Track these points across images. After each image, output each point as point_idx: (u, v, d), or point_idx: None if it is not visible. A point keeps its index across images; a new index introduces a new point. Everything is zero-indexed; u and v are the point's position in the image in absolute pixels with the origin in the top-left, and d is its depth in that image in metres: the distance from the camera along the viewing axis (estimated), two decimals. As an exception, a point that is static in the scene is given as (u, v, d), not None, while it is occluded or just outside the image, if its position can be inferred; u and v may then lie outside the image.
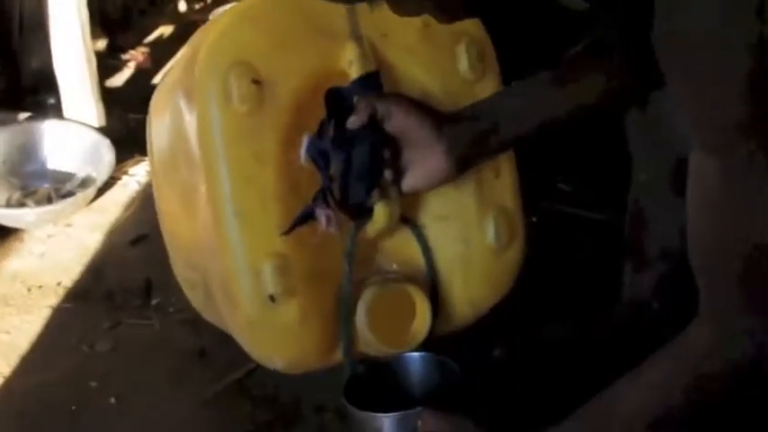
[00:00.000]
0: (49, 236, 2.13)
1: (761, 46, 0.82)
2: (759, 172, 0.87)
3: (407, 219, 1.37)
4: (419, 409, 1.22)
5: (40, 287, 1.97)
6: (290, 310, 1.29)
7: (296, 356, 1.35)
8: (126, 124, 2.43)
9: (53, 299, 1.94)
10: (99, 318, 1.88)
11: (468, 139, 1.28)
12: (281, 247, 1.28)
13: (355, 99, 1.28)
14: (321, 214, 1.29)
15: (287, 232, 1.28)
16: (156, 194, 1.57)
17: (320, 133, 1.29)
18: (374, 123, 1.26)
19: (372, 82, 1.32)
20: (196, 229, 1.39)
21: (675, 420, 1.03)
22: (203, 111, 1.29)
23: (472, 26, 1.38)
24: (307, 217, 1.29)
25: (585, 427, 1.09)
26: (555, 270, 1.83)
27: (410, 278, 1.37)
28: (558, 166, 2.15)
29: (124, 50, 2.84)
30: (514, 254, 1.42)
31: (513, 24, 1.51)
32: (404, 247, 1.39)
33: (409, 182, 1.29)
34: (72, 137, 2.34)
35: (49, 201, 2.21)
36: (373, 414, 1.25)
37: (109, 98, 2.47)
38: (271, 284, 1.28)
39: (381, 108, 1.25)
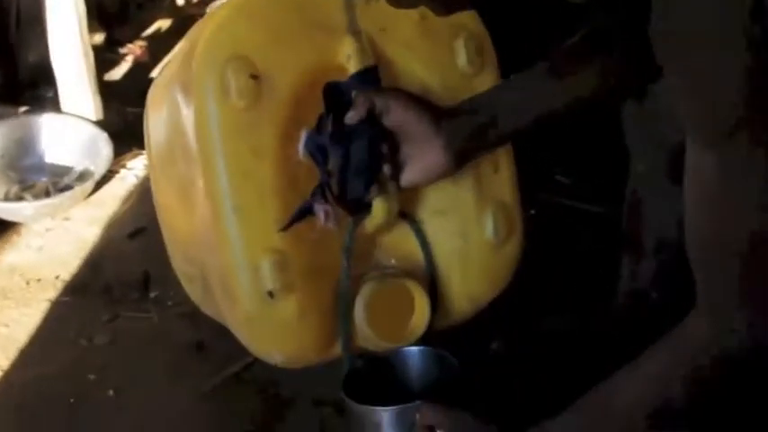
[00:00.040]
0: (47, 229, 2.12)
1: (756, 43, 0.82)
2: (756, 166, 0.87)
3: (406, 214, 1.36)
4: (418, 402, 1.22)
5: (39, 280, 1.97)
6: (288, 306, 1.29)
7: (295, 351, 1.35)
8: (124, 118, 2.42)
9: (51, 292, 1.94)
10: (97, 311, 1.87)
11: (467, 133, 1.27)
12: (279, 242, 1.28)
13: (353, 94, 1.27)
14: (319, 209, 1.28)
15: (285, 228, 1.27)
16: (153, 188, 1.57)
17: (319, 128, 1.28)
18: (372, 118, 1.25)
19: (371, 77, 1.31)
20: (194, 222, 1.39)
21: (674, 412, 1.03)
22: (201, 105, 1.28)
23: (470, 20, 1.38)
24: (305, 212, 1.29)
25: (584, 419, 1.09)
26: (553, 263, 1.82)
27: (409, 273, 1.36)
28: (556, 159, 2.14)
29: (122, 44, 2.83)
30: (513, 248, 1.42)
31: (511, 16, 1.51)
32: (402, 242, 1.38)
33: (408, 177, 1.29)
34: (70, 130, 2.33)
35: (47, 194, 2.20)
36: (372, 408, 1.25)
37: (107, 92, 2.47)
38: (269, 280, 1.27)
39: (379, 103, 1.25)
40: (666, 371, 1.02)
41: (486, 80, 1.39)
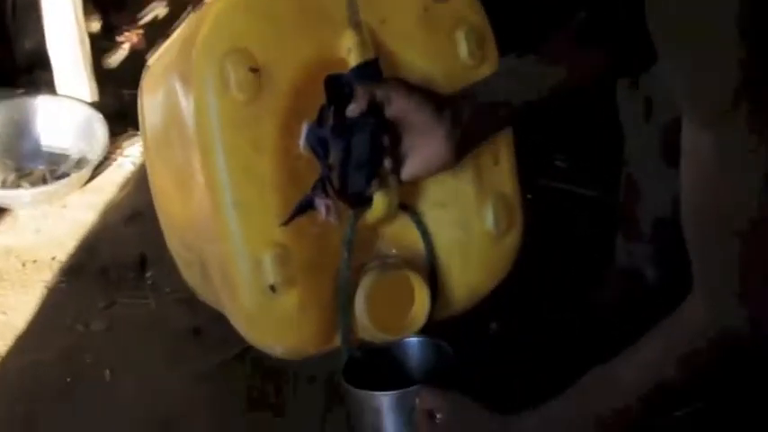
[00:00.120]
0: (44, 215, 2.11)
1: (750, 25, 0.81)
2: (753, 146, 0.86)
3: (406, 205, 1.36)
4: (417, 387, 1.22)
5: (35, 262, 1.96)
6: (289, 300, 1.28)
7: (295, 344, 1.34)
8: (120, 99, 2.41)
9: (48, 274, 1.93)
10: (94, 297, 1.87)
11: (468, 121, 1.27)
12: (280, 236, 1.26)
13: (355, 86, 1.26)
14: (320, 204, 1.27)
15: (286, 222, 1.26)
16: (149, 170, 1.56)
17: (319, 121, 1.27)
18: (374, 110, 1.24)
19: (372, 69, 1.30)
20: (192, 210, 1.38)
21: (671, 396, 1.03)
22: (200, 99, 1.27)
23: (471, 10, 1.37)
24: (306, 206, 1.28)
25: (580, 404, 1.09)
26: (551, 246, 1.82)
27: (409, 263, 1.36)
28: (553, 143, 2.14)
29: (118, 31, 2.82)
30: (512, 240, 1.42)
31: (509, 4, 1.51)
32: (403, 233, 1.38)
33: (409, 170, 1.28)
34: (65, 112, 2.31)
35: (44, 182, 2.19)
36: (372, 393, 1.24)
37: (103, 78, 2.45)
38: (271, 274, 1.26)
39: (380, 94, 1.24)
40: (663, 355, 1.01)
41: (488, 71, 1.37)
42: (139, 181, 2.15)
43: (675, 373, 1.01)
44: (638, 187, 1.51)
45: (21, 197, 2.14)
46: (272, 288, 1.26)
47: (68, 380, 1.68)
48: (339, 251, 1.30)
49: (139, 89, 1.52)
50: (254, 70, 1.24)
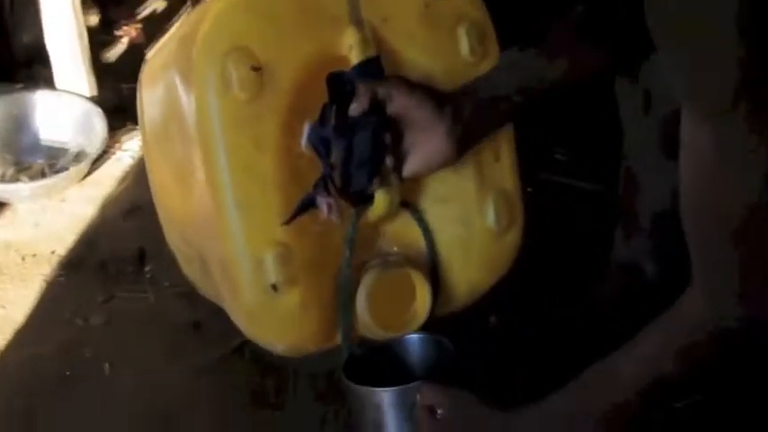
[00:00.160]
0: (44, 208, 2.11)
1: (747, 16, 0.81)
2: (753, 145, 0.86)
3: (408, 202, 1.35)
4: (418, 383, 1.21)
5: (34, 256, 1.96)
6: (291, 299, 1.28)
7: (296, 342, 1.34)
8: (119, 93, 2.40)
9: (47, 268, 1.92)
10: (93, 290, 1.86)
11: (469, 117, 1.27)
12: (282, 235, 1.26)
13: (356, 84, 1.26)
14: (322, 202, 1.26)
15: (288, 221, 1.26)
16: (147, 164, 1.55)
17: (321, 120, 1.27)
18: (375, 108, 1.24)
19: (373, 67, 1.29)
20: (192, 206, 1.37)
21: (670, 390, 1.02)
22: (202, 98, 1.26)
23: (473, 6, 1.36)
24: (308, 205, 1.27)
25: (580, 400, 1.08)
26: (550, 240, 1.82)
27: (410, 260, 1.35)
28: (554, 137, 2.13)
29: (117, 26, 2.81)
30: (513, 237, 1.41)
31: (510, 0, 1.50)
32: (404, 230, 1.37)
33: (410, 167, 1.28)
34: (63, 106, 2.31)
35: (43, 176, 2.18)
36: (373, 389, 1.24)
37: (102, 72, 2.44)
38: (273, 273, 1.25)
39: (381, 92, 1.24)
40: (662, 349, 1.01)
41: (489, 66, 1.36)
42: (138, 175, 2.15)
43: (674, 367, 1.00)
44: (637, 180, 1.51)
45: (20, 191, 2.13)
46: (274, 287, 1.26)
47: (67, 374, 1.67)
48: (340, 249, 1.30)
49: (138, 83, 1.51)
50: (256, 69, 1.24)
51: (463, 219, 1.37)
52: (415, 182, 1.34)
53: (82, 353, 1.72)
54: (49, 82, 2.39)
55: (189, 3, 2.29)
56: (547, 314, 1.67)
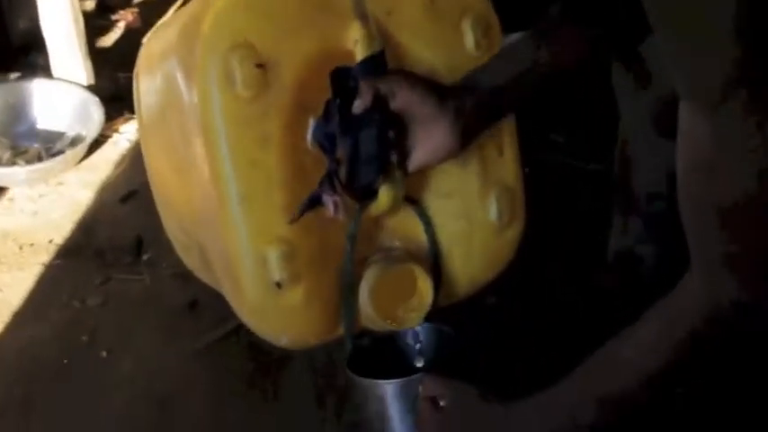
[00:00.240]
0: (41, 195, 2.10)
1: (744, 5, 0.80)
2: (751, 130, 0.85)
3: (410, 197, 1.35)
4: (420, 375, 1.22)
5: (32, 245, 1.95)
6: (295, 295, 1.26)
7: (299, 336, 1.33)
8: (116, 82, 2.39)
9: (44, 256, 1.92)
10: (90, 274, 1.86)
11: (471, 109, 1.26)
12: (285, 232, 1.25)
13: (359, 81, 1.25)
14: (329, 200, 1.25)
15: (295, 220, 1.25)
16: (143, 149, 1.54)
17: (326, 115, 1.26)
18: (379, 104, 1.23)
19: (378, 62, 1.28)
20: (191, 198, 1.36)
21: (670, 377, 1.02)
22: (205, 96, 1.24)
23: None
24: (314, 203, 1.26)
25: (580, 389, 1.08)
26: (547, 220, 1.81)
27: (412, 254, 1.34)
28: (550, 117, 2.12)
29: (113, 10, 2.81)
30: (514, 231, 1.40)
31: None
32: (406, 224, 1.36)
33: (415, 162, 1.27)
34: (61, 95, 2.29)
35: (40, 160, 2.17)
36: (376, 381, 1.24)
37: (98, 58, 2.43)
38: (276, 271, 1.24)
39: (384, 87, 1.23)
40: (661, 337, 1.00)
41: (492, 60, 1.36)
42: (135, 159, 2.13)
43: (673, 354, 0.99)
44: (632, 160, 1.50)
45: (16, 175, 2.12)
46: (278, 285, 1.25)
47: (65, 362, 1.67)
48: (343, 244, 1.29)
49: (135, 68, 1.50)
50: (260, 66, 1.23)
51: (466, 214, 1.37)
52: (419, 177, 1.33)
53: (79, 337, 1.71)
54: (45, 69, 2.38)
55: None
56: (547, 301, 1.66)
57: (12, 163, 2.16)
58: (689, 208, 0.94)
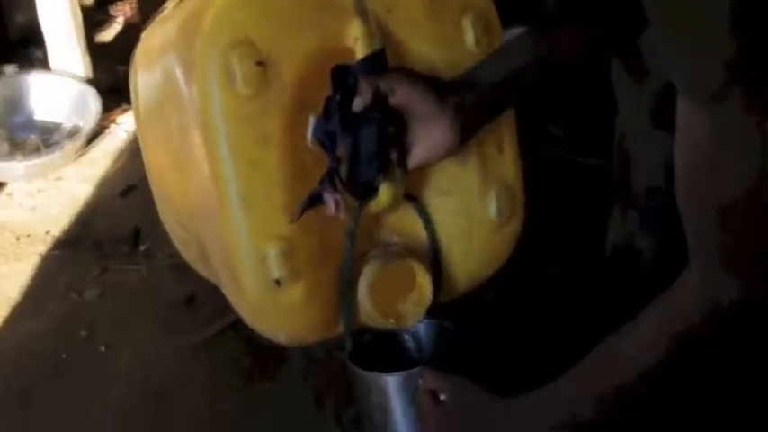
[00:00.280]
0: (39, 190, 2.09)
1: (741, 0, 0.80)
2: (750, 125, 0.85)
3: (410, 194, 1.35)
4: (421, 368, 1.22)
5: (29, 236, 1.95)
6: (294, 293, 1.26)
7: (299, 333, 1.33)
8: (114, 75, 2.39)
9: (42, 247, 1.91)
10: (87, 265, 1.85)
11: (471, 105, 1.26)
12: (285, 230, 1.25)
13: (359, 79, 1.25)
14: (329, 199, 1.25)
15: (296, 218, 1.25)
16: (141, 143, 1.54)
17: (326, 113, 1.26)
18: (379, 101, 1.23)
19: (378, 60, 1.28)
20: (190, 193, 1.36)
21: (669, 373, 1.02)
22: (205, 94, 1.24)
23: None
24: (315, 201, 1.26)
25: (579, 384, 1.08)
26: (547, 216, 1.81)
27: (411, 250, 1.34)
28: (549, 109, 2.12)
29: (112, 5, 2.80)
30: (513, 228, 1.40)
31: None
32: (406, 221, 1.36)
33: (415, 159, 1.27)
34: (58, 87, 2.29)
35: (37, 151, 2.16)
36: (378, 374, 1.25)
37: (97, 52, 2.43)
38: (276, 269, 1.24)
39: (384, 85, 1.23)
40: (659, 333, 1.00)
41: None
42: (134, 152, 2.13)
43: (673, 349, 0.99)
44: (630, 152, 1.50)
45: (14, 170, 2.11)
46: (278, 282, 1.25)
47: (63, 356, 1.66)
48: (342, 241, 1.29)
49: (133, 61, 1.50)
50: (260, 63, 1.22)
51: (465, 211, 1.36)
52: (418, 174, 1.33)
53: (77, 331, 1.71)
54: (44, 63, 2.38)
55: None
56: (546, 296, 1.66)
57: (10, 157, 2.15)
58: (688, 206, 0.93)
